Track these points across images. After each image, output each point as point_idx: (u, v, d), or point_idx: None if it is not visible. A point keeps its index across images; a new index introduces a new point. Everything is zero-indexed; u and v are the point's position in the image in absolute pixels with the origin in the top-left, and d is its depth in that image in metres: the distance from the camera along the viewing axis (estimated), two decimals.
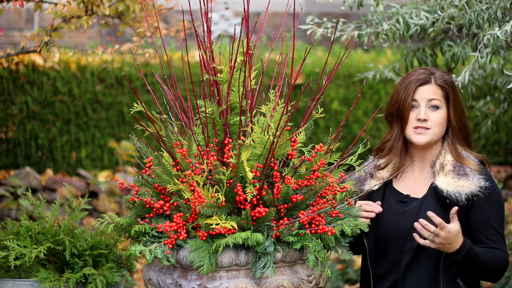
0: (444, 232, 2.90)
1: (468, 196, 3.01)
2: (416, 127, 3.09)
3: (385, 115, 3.19)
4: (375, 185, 3.16)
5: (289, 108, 2.88)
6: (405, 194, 3.14)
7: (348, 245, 2.94)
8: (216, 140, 2.94)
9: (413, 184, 3.15)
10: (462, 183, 3.01)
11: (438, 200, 3.04)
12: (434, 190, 3.06)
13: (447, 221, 2.97)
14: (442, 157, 3.09)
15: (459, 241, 2.94)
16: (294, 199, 2.83)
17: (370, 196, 3.17)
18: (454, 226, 2.92)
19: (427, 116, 3.08)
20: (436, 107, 3.09)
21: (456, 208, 2.93)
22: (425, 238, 2.93)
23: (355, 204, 3.06)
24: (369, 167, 3.22)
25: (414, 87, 3.10)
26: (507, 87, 3.30)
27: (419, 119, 3.07)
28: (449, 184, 3.02)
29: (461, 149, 3.11)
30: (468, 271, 3.03)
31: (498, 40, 3.39)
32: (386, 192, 3.16)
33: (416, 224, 2.92)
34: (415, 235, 2.94)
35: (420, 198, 3.10)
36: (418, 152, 3.15)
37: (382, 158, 3.20)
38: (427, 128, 3.08)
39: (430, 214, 2.90)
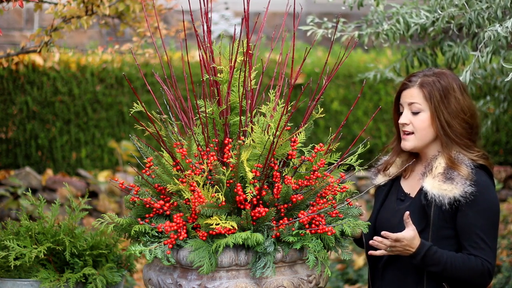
0: (399, 244, 2.91)
1: (450, 201, 2.99)
2: (403, 132, 3.10)
3: None
4: (382, 182, 3.18)
5: (289, 108, 2.88)
6: (406, 192, 3.15)
7: (348, 245, 2.94)
8: (216, 140, 2.94)
9: (415, 183, 3.15)
10: (445, 187, 2.99)
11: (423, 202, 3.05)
12: (422, 191, 3.07)
13: (426, 223, 2.99)
14: (436, 159, 3.07)
15: (415, 244, 2.93)
16: (294, 199, 2.83)
17: (378, 190, 3.22)
18: (409, 232, 2.91)
19: (408, 120, 3.08)
20: (417, 112, 3.07)
21: (408, 212, 2.92)
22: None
23: None
24: (381, 163, 3.25)
25: (399, 91, 3.12)
26: (507, 79, 3.28)
27: (400, 124, 3.09)
28: (434, 186, 3.01)
29: (458, 152, 3.06)
30: (437, 275, 2.99)
31: (498, 37, 3.39)
32: (392, 189, 3.19)
33: (371, 242, 2.94)
34: (370, 252, 2.96)
35: (413, 198, 3.11)
36: (423, 154, 3.15)
37: (389, 156, 3.23)
38: (411, 133, 3.08)
39: (385, 233, 2.92)
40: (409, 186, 3.16)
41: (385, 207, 3.17)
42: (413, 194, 3.13)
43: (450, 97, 3.05)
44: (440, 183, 3.00)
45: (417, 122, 3.07)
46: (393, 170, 3.20)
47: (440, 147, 3.08)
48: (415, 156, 3.18)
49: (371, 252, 2.97)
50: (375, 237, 2.93)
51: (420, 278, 3.03)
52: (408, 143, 3.09)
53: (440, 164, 3.05)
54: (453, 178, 2.99)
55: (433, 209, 3.00)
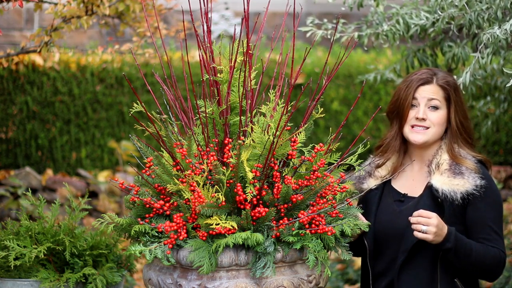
0: (434, 218, 2.90)
1: (463, 195, 3.01)
2: (413, 126, 3.09)
3: (386, 112, 3.20)
4: (374, 185, 3.16)
5: (289, 108, 2.88)
6: (403, 193, 3.14)
7: (348, 245, 2.94)
8: (216, 140, 2.94)
9: (411, 183, 3.15)
10: (457, 182, 3.01)
11: (434, 200, 3.04)
12: (430, 189, 3.06)
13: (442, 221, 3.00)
14: (438, 156, 3.09)
15: (445, 226, 2.95)
16: (294, 199, 2.83)
17: (368, 195, 3.17)
18: (434, 213, 2.94)
19: (426, 115, 3.08)
20: (436, 107, 3.09)
21: (415, 212, 2.93)
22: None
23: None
24: (369, 166, 3.22)
25: (415, 86, 3.11)
26: (507, 85, 3.29)
27: (417, 118, 3.08)
28: (444, 183, 3.02)
29: (459, 149, 3.10)
30: (461, 263, 3.00)
31: (497, 39, 3.39)
32: (384, 191, 3.17)
33: (411, 218, 2.93)
34: (416, 233, 2.93)
35: (416, 197, 3.11)
36: (417, 151, 3.15)
37: (380, 156, 3.20)
38: (426, 128, 3.09)
39: (417, 213, 2.93)
40: (405, 186, 3.16)
41: (382, 210, 3.14)
42: (412, 194, 3.12)
43: (461, 97, 3.14)
44: (450, 178, 3.02)
45: (435, 117, 3.08)
46: (383, 172, 3.19)
47: (441, 145, 3.10)
48: (403, 154, 3.17)
49: (418, 234, 2.93)
50: (414, 213, 2.92)
51: (434, 275, 3.03)
52: (422, 137, 3.09)
53: (445, 160, 3.06)
54: (462, 173, 3.02)
55: (445, 205, 3.02)
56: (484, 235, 3.02)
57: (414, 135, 3.10)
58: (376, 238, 3.12)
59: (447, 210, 3.02)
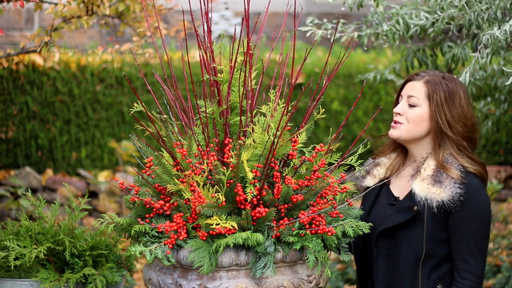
0: None
1: (439, 204, 2.96)
2: (393, 121, 3.09)
3: None
4: (373, 185, 3.16)
5: (289, 108, 2.88)
6: (396, 196, 3.11)
7: (347, 245, 2.94)
8: (216, 140, 2.94)
9: (405, 186, 3.11)
10: (434, 190, 2.96)
11: (412, 205, 3.03)
12: (410, 194, 3.05)
13: (421, 226, 2.98)
14: (425, 162, 3.05)
15: None
16: (294, 199, 2.83)
17: (366, 193, 3.17)
18: None
19: (401, 110, 3.06)
20: (413, 105, 3.07)
21: None
22: None
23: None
24: (368, 164, 3.22)
25: (404, 82, 3.11)
26: (506, 84, 3.29)
27: (394, 113, 3.08)
28: (422, 189, 2.98)
29: (448, 155, 3.03)
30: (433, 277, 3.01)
31: (497, 40, 3.39)
32: (381, 191, 3.16)
33: None
34: None
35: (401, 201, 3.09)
36: (410, 154, 3.12)
37: (379, 156, 3.21)
38: (400, 123, 3.07)
39: None
40: (399, 189, 3.13)
41: (376, 210, 3.13)
42: (403, 197, 3.10)
43: (455, 101, 3.04)
44: (428, 186, 2.97)
45: (410, 115, 3.05)
46: (381, 171, 3.18)
47: (431, 148, 3.06)
48: (404, 154, 3.16)
49: None
50: None
51: (415, 280, 3.02)
52: (395, 132, 3.07)
53: (429, 166, 3.02)
54: (441, 182, 2.96)
55: (426, 212, 2.98)
56: (461, 246, 2.96)
57: (391, 130, 3.09)
58: (367, 239, 3.10)
59: (428, 217, 2.97)
